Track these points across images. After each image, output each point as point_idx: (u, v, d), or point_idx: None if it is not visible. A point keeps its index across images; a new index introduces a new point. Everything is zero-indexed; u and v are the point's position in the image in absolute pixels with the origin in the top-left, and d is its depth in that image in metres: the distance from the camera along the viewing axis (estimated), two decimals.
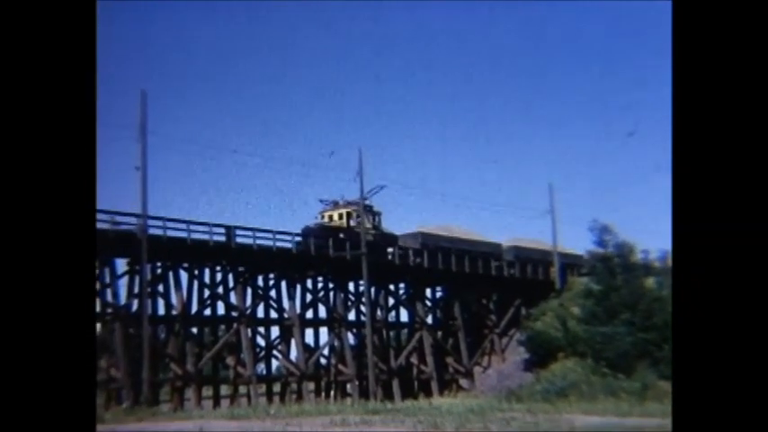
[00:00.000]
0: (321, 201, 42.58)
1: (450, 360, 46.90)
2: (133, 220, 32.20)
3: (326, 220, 41.57)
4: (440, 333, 47.36)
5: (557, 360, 39.95)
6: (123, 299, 33.35)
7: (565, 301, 45.05)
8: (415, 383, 44.50)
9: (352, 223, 41.09)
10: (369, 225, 41.61)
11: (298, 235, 38.75)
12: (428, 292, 47.94)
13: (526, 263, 49.96)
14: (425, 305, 46.76)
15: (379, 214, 43.07)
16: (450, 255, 44.94)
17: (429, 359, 44.46)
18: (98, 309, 33.28)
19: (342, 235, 40.07)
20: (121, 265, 33.78)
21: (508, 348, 48.41)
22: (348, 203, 41.77)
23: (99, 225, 31.77)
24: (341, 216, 41.50)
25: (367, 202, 41.79)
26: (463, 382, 46.31)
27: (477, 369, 47.38)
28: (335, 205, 42.11)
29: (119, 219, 32.21)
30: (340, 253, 39.98)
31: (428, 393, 42.82)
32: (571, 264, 52.00)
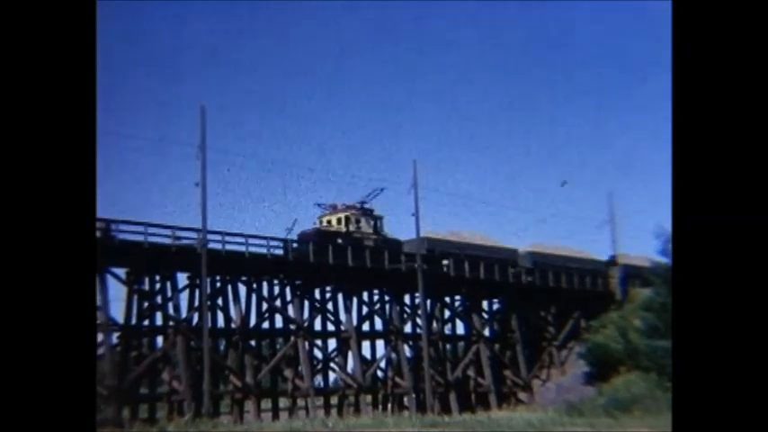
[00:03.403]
0: (318, 205, 40.82)
1: (507, 373, 46.27)
2: (193, 234, 32.93)
3: (325, 224, 39.90)
4: (497, 346, 46.79)
5: (618, 374, 38.97)
6: (184, 312, 34.09)
7: (626, 313, 43.97)
8: (473, 396, 44.01)
9: (351, 228, 39.51)
10: (369, 230, 40.09)
11: (294, 241, 37.18)
12: (485, 304, 47.44)
13: (546, 270, 47.64)
14: (482, 317, 46.31)
15: (380, 218, 41.19)
16: (460, 261, 42.98)
17: (486, 372, 43.97)
18: (160, 322, 34.19)
19: (340, 240, 38.49)
20: (182, 278, 34.63)
21: (568, 361, 47.52)
22: (347, 207, 40.20)
23: (161, 240, 32.73)
24: (339, 221, 39.73)
25: (367, 206, 40.44)
26: (522, 395, 45.60)
27: (535, 382, 46.62)
28: (334, 209, 40.38)
29: (179, 234, 32.99)
30: (395, 265, 39.93)
31: (486, 407, 42.34)
32: (594, 270, 50.69)
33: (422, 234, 41.61)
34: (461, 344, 46.05)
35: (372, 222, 40.50)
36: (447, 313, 45.00)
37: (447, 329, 44.99)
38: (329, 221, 39.71)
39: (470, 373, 44.50)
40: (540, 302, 48.46)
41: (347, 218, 39.57)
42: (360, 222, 39.89)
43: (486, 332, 46.29)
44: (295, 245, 36.88)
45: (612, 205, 50.51)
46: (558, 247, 49.97)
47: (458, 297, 45.49)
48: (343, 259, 37.87)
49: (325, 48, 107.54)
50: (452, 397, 41.74)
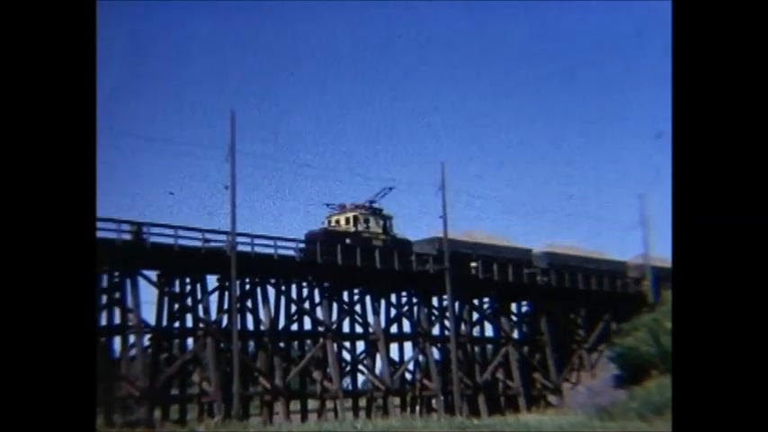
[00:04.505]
0: (327, 204, 39.99)
1: (537, 376, 45.94)
2: (223, 237, 33.21)
3: (333, 224, 38.91)
4: (526, 348, 46.47)
5: (650, 377, 38.42)
6: (214, 314, 34.36)
7: (659, 315, 43.34)
8: (502, 399, 43.78)
9: (360, 228, 38.76)
10: (378, 230, 39.35)
11: (301, 241, 36.56)
12: (513, 306, 47.16)
13: (562, 270, 46.56)
14: (511, 320, 46.05)
15: (390, 218, 40.41)
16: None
17: (515, 375, 43.71)
18: (190, 324, 34.53)
19: (348, 240, 37.73)
20: (212, 281, 34.93)
21: (598, 364, 47.04)
22: (356, 207, 39.48)
23: (191, 243, 33.03)
24: (348, 220, 38.77)
25: (376, 205, 39.83)
26: (551, 398, 45.25)
27: (565, 385, 46.23)
28: (342, 209, 39.62)
29: (209, 236, 33.29)
30: (422, 268, 39.85)
31: (515, 409, 42.08)
32: (615, 271, 49.82)
33: (433, 234, 41.35)
34: (490, 346, 45.84)
35: (382, 222, 39.76)
36: (475, 315, 44.83)
37: (476, 332, 44.83)
38: (337, 221, 39.07)
39: (499, 375, 44.26)
40: (570, 305, 48.04)
41: (355, 217, 38.90)
42: (368, 222, 39.21)
43: (515, 334, 46.01)
44: (301, 245, 36.39)
45: (644, 207, 49.83)
46: (574, 247, 49.09)
47: (486, 299, 45.31)
48: (370, 261, 37.88)
49: (337, 48, 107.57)
50: (481, 399, 41.55)
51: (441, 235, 40.93)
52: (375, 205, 39.98)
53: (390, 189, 40.00)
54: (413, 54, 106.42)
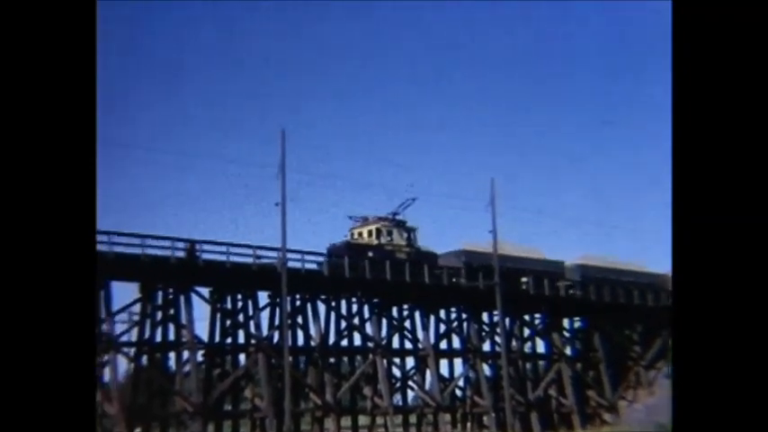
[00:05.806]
0: (350, 217, 39.50)
1: (591, 393, 45.02)
2: (273, 254, 33.71)
3: (356, 237, 38.43)
4: (579, 365, 45.65)
5: None
6: (265, 330, 34.88)
7: None
8: (555, 416, 43.03)
9: (383, 240, 38.21)
10: (402, 242, 38.72)
11: (324, 256, 36.18)
12: (566, 322, 46.43)
13: (598, 283, 44.96)
14: (563, 335, 45.32)
15: (414, 230, 39.71)
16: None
17: (569, 391, 42.93)
18: (242, 340, 35.12)
19: (371, 253, 37.21)
20: (263, 297, 35.48)
21: (656, 382, 45.83)
22: (379, 219, 38.90)
23: (243, 260, 33.62)
24: (370, 233, 38.23)
25: (399, 217, 39.23)
26: (607, 416, 44.24)
27: (622, 403, 45.15)
28: (365, 221, 38.87)
29: (260, 253, 33.86)
30: (473, 283, 39.64)
31: (569, 427, 41.36)
32: (653, 284, 48.22)
33: (459, 246, 40.88)
34: (542, 362, 45.18)
35: (405, 234, 39.19)
36: (527, 331, 44.30)
37: (527, 348, 44.26)
38: (360, 234, 38.71)
39: (552, 392, 43.56)
40: (625, 320, 47.03)
41: (378, 230, 38.40)
42: (392, 234, 38.69)
43: (568, 351, 45.24)
44: (322, 258, 36.07)
45: None
46: (607, 259, 47.50)
47: (537, 315, 44.75)
48: (419, 277, 37.90)
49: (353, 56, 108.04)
50: (534, 417, 40.93)
51: (468, 247, 40.56)
52: (399, 217, 39.51)
53: (413, 200, 39.64)
54: (439, 65, 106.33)
